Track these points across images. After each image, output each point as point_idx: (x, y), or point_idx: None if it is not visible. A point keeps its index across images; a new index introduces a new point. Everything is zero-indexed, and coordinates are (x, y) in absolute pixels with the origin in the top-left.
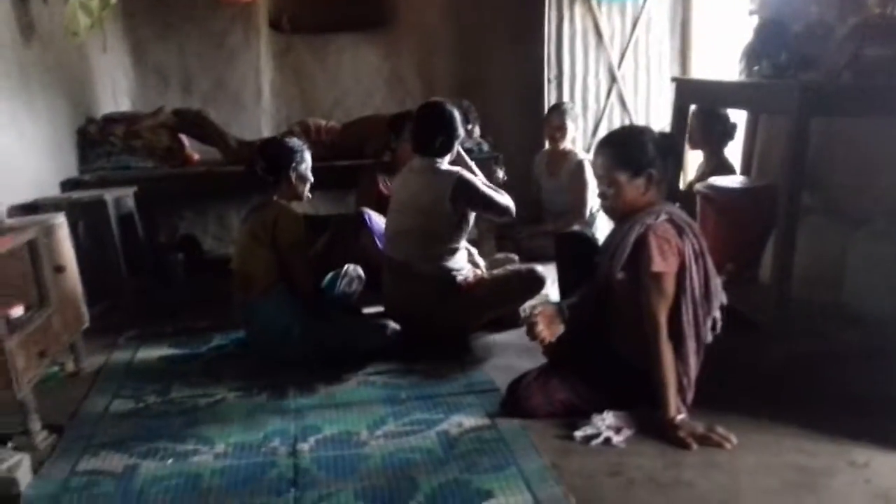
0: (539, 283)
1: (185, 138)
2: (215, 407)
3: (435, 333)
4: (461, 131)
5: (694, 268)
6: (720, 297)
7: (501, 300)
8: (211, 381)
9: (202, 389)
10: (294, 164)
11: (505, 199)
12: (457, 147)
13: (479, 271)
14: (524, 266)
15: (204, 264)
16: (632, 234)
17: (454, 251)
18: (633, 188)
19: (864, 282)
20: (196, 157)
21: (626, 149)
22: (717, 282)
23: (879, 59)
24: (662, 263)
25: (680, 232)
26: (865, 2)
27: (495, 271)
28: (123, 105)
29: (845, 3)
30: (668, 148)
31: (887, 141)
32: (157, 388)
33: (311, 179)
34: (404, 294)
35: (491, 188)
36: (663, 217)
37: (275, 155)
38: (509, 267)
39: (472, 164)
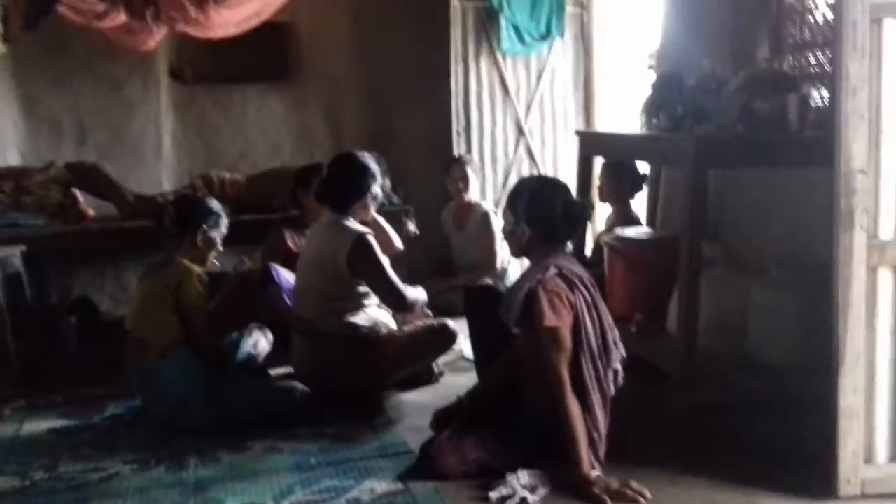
0: (450, 338)
1: (79, 193)
2: (108, 482)
3: (345, 394)
4: (375, 186)
5: (588, 320)
6: (620, 349)
7: (412, 358)
8: (104, 454)
9: (94, 463)
10: (206, 226)
11: (410, 292)
12: (371, 202)
13: (391, 327)
14: (436, 321)
15: (99, 327)
16: (522, 290)
17: (359, 307)
18: (513, 232)
19: (764, 331)
20: (91, 212)
21: (519, 197)
22: (614, 334)
23: (767, 112)
24: (554, 318)
25: (571, 285)
26: (754, 56)
27: (405, 328)
28: (12, 159)
29: (737, 58)
30: (573, 216)
31: (777, 192)
32: (45, 462)
33: (220, 248)
34: (311, 353)
35: (394, 281)
36: (553, 271)
37: (189, 211)
38: (419, 323)
39: (382, 220)
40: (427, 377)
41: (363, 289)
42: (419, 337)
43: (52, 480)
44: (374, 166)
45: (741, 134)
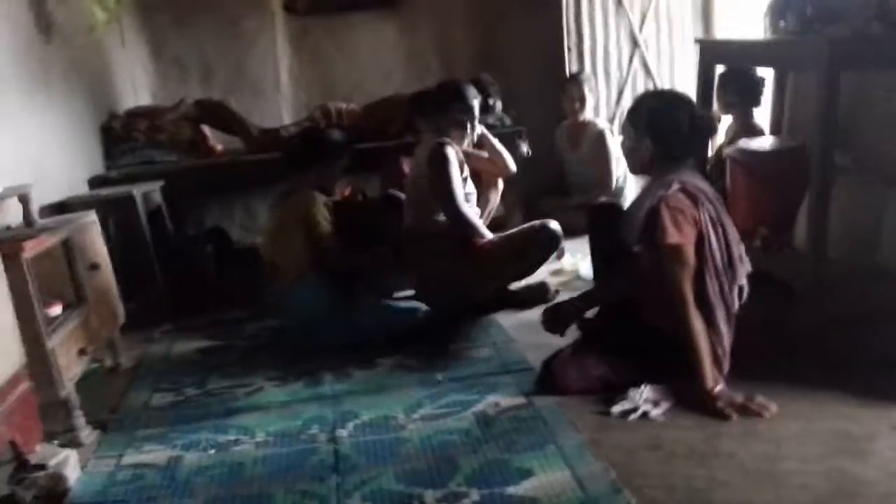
0: (553, 239)
1: (207, 129)
2: (253, 396)
3: (461, 302)
4: (462, 114)
5: (713, 236)
6: (745, 264)
7: (514, 255)
8: (247, 371)
9: (239, 380)
10: (329, 159)
11: (470, 214)
12: (462, 130)
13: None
14: (538, 222)
15: (233, 255)
16: (644, 207)
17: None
18: (634, 147)
19: None
20: (219, 147)
21: (641, 111)
22: (740, 249)
23: None
24: (677, 234)
25: (694, 201)
26: None
27: (509, 231)
28: (144, 99)
29: None
30: (700, 129)
31: None
32: (195, 380)
33: (342, 180)
34: (421, 259)
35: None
36: (676, 187)
37: (312, 144)
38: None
39: (496, 141)
40: (542, 296)
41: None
42: (521, 235)
43: (203, 395)
44: (468, 96)
45: (877, 33)
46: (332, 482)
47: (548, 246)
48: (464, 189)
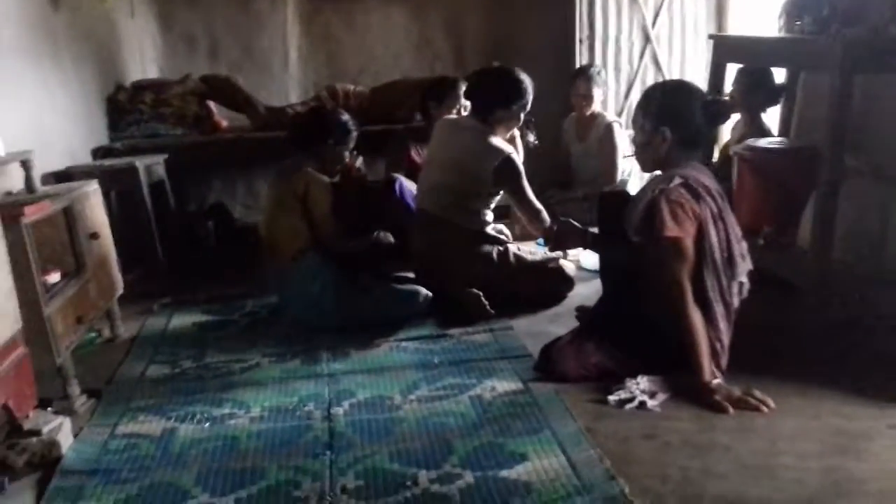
0: (565, 285)
1: (213, 105)
2: (250, 372)
3: (462, 296)
4: (519, 107)
5: (713, 231)
6: (747, 261)
7: (525, 286)
8: (245, 347)
9: (237, 355)
10: (334, 140)
11: (545, 212)
12: (512, 122)
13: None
14: (554, 264)
15: (234, 232)
16: (645, 199)
17: (487, 208)
18: (649, 142)
19: None
20: (225, 123)
21: (655, 103)
22: (741, 246)
23: None
24: (676, 228)
25: (696, 196)
26: None
27: (529, 257)
28: (151, 72)
29: None
30: (714, 115)
31: None
32: (193, 353)
33: (345, 162)
34: (434, 244)
35: (533, 199)
36: (677, 181)
37: (318, 124)
38: (544, 254)
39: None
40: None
41: (494, 195)
42: (536, 271)
43: (200, 369)
44: (527, 88)
45: (895, 36)
46: (326, 459)
47: (558, 290)
48: None
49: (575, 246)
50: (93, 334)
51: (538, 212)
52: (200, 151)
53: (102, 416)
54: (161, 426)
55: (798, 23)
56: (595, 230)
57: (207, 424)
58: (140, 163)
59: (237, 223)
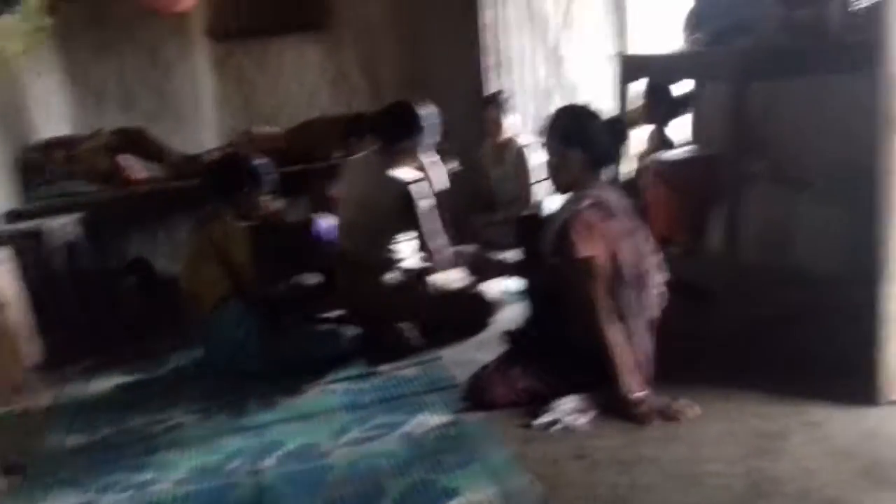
0: (485, 313)
1: (127, 158)
2: (173, 432)
3: (391, 328)
4: (424, 137)
5: (624, 248)
6: (663, 272)
7: (443, 314)
8: (168, 405)
9: (159, 415)
10: (249, 186)
11: (446, 244)
12: (416, 153)
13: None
14: (475, 290)
15: (157, 285)
16: (558, 221)
17: (400, 240)
18: (561, 163)
19: (811, 243)
20: (140, 175)
21: (561, 126)
22: (656, 258)
23: (808, 21)
24: (588, 248)
25: (605, 215)
26: None
27: (451, 283)
28: (62, 129)
29: None
30: (616, 133)
31: (820, 102)
32: (113, 417)
33: (262, 206)
34: (357, 285)
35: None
36: (587, 202)
37: (232, 172)
38: (459, 281)
39: (430, 159)
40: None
41: (402, 227)
42: (459, 299)
43: (121, 434)
44: (430, 118)
45: (783, 45)
46: None
47: (479, 318)
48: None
49: (493, 277)
50: (7, 408)
51: (441, 245)
52: (116, 206)
53: (21, 495)
54: (81, 500)
55: (696, 36)
56: (514, 254)
57: (129, 493)
58: (54, 223)
59: (160, 276)
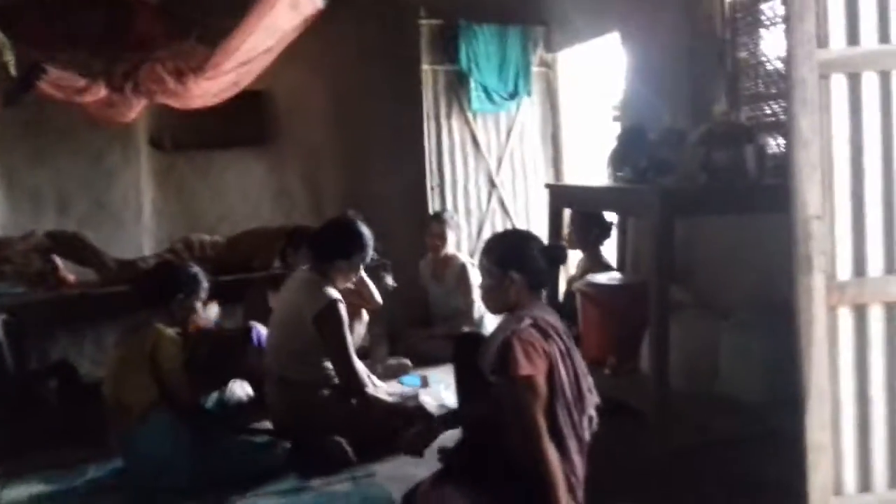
0: (427, 427)
1: (59, 260)
2: None
3: (323, 440)
4: (359, 257)
5: (562, 369)
6: (594, 395)
7: (383, 430)
8: None
9: None
10: (183, 294)
11: (362, 376)
12: (350, 272)
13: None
14: (415, 404)
15: (79, 390)
16: (497, 340)
17: (327, 358)
18: (499, 286)
19: (736, 371)
20: (71, 278)
21: (501, 250)
22: (588, 381)
23: (727, 162)
24: (529, 366)
25: (545, 335)
26: (712, 109)
27: (388, 398)
28: None
29: (696, 111)
30: (553, 257)
31: (741, 237)
32: None
33: (199, 314)
34: (285, 403)
35: (352, 358)
36: (527, 322)
37: (165, 279)
38: (400, 392)
39: (364, 274)
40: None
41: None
42: (397, 414)
43: None
44: (367, 236)
45: (703, 184)
46: None
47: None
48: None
49: (432, 440)
50: None
51: (354, 374)
52: (43, 309)
53: None
54: None
55: (620, 173)
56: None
57: None
58: None
59: (84, 381)
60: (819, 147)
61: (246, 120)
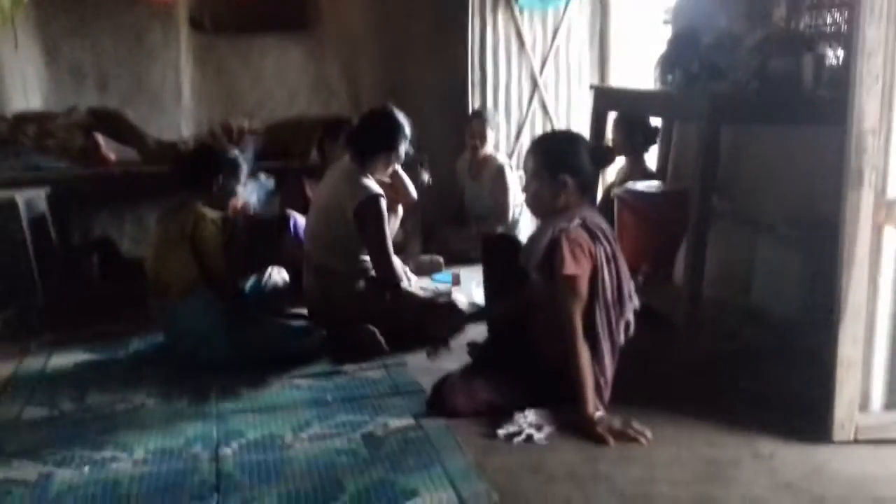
0: (458, 322)
1: (101, 138)
2: (134, 413)
3: (356, 329)
4: (401, 147)
5: (606, 271)
6: (634, 301)
7: (416, 322)
8: (129, 387)
9: (120, 395)
10: (223, 175)
11: (399, 269)
12: (393, 161)
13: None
14: (447, 300)
15: (121, 266)
16: (545, 237)
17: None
18: (550, 189)
19: (770, 284)
20: (113, 157)
21: (551, 152)
22: (630, 286)
23: (783, 70)
24: (574, 266)
25: (593, 237)
26: (771, 15)
27: (420, 293)
28: (35, 104)
29: (753, 16)
30: (600, 160)
31: (787, 150)
32: (73, 394)
33: (237, 197)
34: (322, 291)
35: (389, 252)
36: (577, 222)
37: (207, 160)
38: (433, 288)
39: (399, 169)
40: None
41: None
42: (429, 308)
43: (80, 411)
44: (407, 128)
45: (756, 92)
46: (211, 502)
47: (452, 326)
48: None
49: (462, 328)
50: None
51: (390, 267)
52: (85, 185)
53: None
54: (37, 471)
55: (670, 77)
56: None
57: (87, 469)
58: (20, 196)
59: (125, 257)
60: (882, 59)
61: (285, 3)
